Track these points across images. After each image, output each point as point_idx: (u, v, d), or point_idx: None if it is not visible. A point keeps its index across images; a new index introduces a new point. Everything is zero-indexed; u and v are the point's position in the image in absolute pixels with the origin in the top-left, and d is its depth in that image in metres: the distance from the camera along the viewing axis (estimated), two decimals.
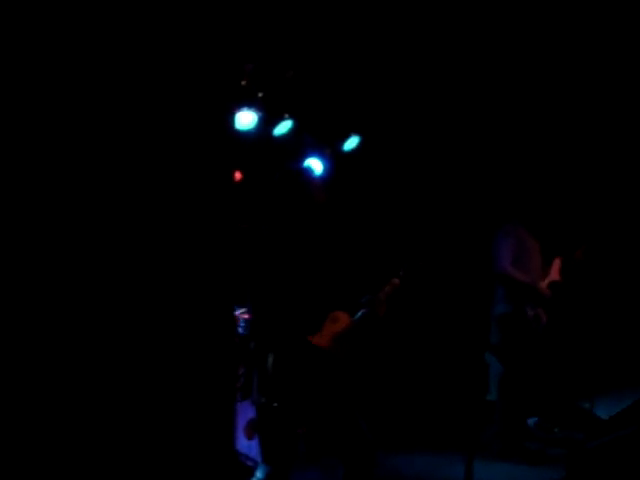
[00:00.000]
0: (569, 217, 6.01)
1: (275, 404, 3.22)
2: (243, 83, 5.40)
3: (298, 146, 5.96)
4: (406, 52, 5.76)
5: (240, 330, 4.70)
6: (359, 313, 3.46)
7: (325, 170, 6.07)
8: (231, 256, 4.07)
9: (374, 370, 6.06)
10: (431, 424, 6.00)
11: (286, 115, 5.77)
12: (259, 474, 3.33)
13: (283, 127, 5.77)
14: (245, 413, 4.65)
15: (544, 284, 5.12)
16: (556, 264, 5.21)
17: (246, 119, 5.44)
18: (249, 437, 4.78)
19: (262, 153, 5.88)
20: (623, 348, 6.08)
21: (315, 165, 6.04)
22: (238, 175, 5.68)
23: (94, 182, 3.86)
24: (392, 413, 6.05)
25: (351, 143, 6.19)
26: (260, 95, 5.54)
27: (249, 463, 4.63)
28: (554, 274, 5.16)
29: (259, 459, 3.48)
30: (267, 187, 4.19)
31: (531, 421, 5.55)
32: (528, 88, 6.10)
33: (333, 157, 6.15)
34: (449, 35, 5.62)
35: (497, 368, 5.14)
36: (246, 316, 4.60)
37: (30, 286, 3.56)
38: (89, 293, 3.67)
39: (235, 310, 4.60)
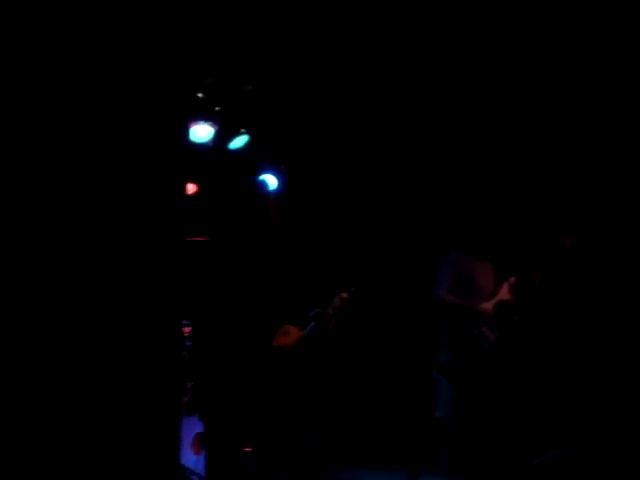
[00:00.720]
0: (527, 237, 6.07)
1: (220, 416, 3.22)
2: (200, 96, 5.40)
3: (253, 160, 5.97)
4: (360, 68, 5.81)
5: (188, 343, 4.67)
6: (308, 327, 3.48)
7: (279, 185, 6.10)
8: (180, 269, 4.06)
9: (324, 384, 6.07)
10: (379, 439, 6.03)
11: (242, 129, 5.78)
12: None
13: (239, 141, 5.78)
14: (192, 427, 4.61)
15: (489, 304, 5.17)
16: (506, 284, 5.28)
17: (202, 132, 5.43)
18: (196, 452, 4.74)
19: (217, 166, 5.88)
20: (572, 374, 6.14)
21: (270, 180, 6.06)
22: (193, 187, 5.67)
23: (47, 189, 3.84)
24: (341, 427, 6.07)
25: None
26: (217, 109, 5.55)
27: (194, 478, 4.60)
28: (503, 294, 5.23)
29: (205, 474, 3.46)
30: (221, 199, 4.18)
31: None
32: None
33: (287, 172, 6.17)
34: (408, 51, 5.68)
35: (445, 385, 5.19)
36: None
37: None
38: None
39: (183, 323, 4.57)
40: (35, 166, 3.83)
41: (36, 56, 3.91)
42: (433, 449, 5.14)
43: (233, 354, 3.26)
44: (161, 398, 3.81)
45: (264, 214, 3.45)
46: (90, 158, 4.12)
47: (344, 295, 3.55)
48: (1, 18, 3.66)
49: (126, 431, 3.68)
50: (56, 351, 3.57)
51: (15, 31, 3.74)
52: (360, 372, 6.50)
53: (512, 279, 5.25)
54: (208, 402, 3.27)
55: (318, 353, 3.59)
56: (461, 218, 5.38)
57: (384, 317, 6.45)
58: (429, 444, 5.19)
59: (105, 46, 4.26)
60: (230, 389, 3.24)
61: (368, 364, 6.49)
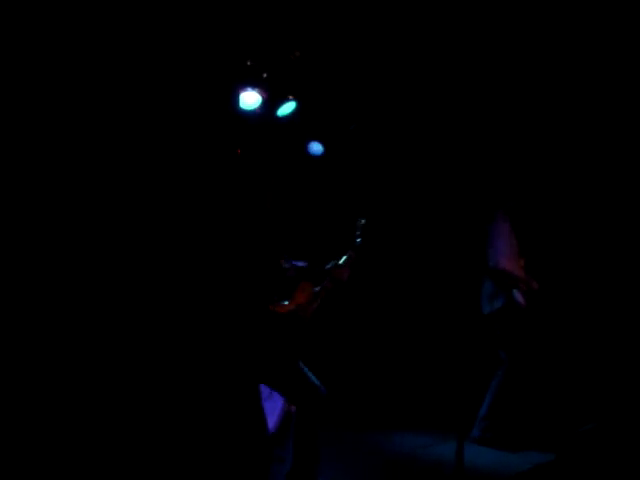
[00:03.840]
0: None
1: None
2: (248, 63, 5.42)
3: (301, 127, 5.99)
4: (407, 47, 5.78)
5: None
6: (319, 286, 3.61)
7: (325, 152, 6.14)
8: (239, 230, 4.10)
9: (368, 350, 6.15)
10: (424, 404, 6.10)
11: (290, 96, 5.80)
12: None
13: (287, 108, 5.80)
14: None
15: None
16: (521, 260, 5.31)
17: (250, 99, 5.47)
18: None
19: (265, 132, 5.91)
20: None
21: (316, 147, 6.10)
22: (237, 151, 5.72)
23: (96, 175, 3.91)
24: (385, 391, 6.15)
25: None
26: (265, 76, 5.56)
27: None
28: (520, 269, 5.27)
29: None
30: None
31: None
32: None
33: (335, 139, 6.19)
34: (451, 37, 5.65)
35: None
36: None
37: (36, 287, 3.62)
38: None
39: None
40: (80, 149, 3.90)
41: (89, 27, 3.96)
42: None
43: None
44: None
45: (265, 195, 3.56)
46: (144, 129, 4.19)
47: (352, 253, 3.69)
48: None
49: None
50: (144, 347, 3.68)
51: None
52: (407, 339, 6.56)
53: (522, 261, 5.26)
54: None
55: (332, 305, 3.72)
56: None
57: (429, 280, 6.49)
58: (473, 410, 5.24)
59: (156, 19, 4.30)
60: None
61: (416, 331, 6.56)
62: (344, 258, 3.67)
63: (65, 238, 3.74)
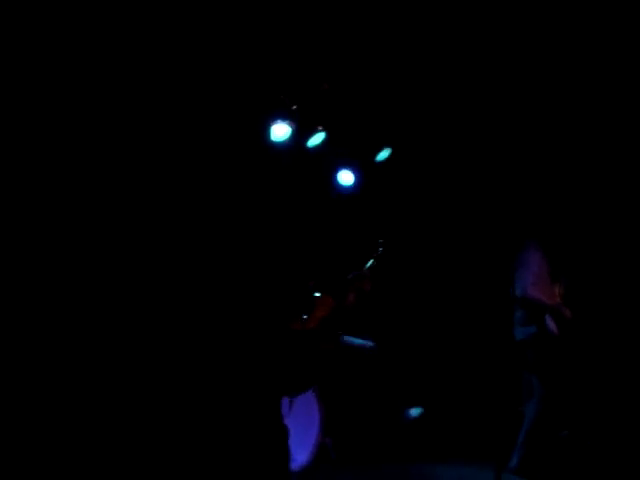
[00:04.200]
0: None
1: None
2: (278, 96, 5.51)
3: (331, 158, 6.05)
4: (435, 70, 5.82)
5: None
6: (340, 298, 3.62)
7: (356, 181, 6.17)
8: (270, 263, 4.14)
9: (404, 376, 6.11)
10: (462, 434, 6.04)
11: (319, 127, 5.86)
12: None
13: (317, 139, 5.86)
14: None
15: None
16: (557, 287, 5.25)
17: (281, 131, 5.53)
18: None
19: (296, 164, 5.97)
20: None
21: (347, 177, 6.13)
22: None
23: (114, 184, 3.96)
24: (424, 422, 6.09)
25: (382, 155, 6.27)
26: (294, 108, 5.63)
27: None
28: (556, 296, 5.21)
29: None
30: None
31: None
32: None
33: (364, 169, 6.23)
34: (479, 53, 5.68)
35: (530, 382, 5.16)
36: None
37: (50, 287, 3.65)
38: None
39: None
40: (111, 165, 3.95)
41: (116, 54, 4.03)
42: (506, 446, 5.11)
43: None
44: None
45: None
46: (176, 158, 4.25)
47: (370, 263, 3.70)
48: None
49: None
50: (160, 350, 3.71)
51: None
52: (441, 367, 6.52)
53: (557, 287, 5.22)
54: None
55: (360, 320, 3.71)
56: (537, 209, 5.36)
57: (463, 307, 6.46)
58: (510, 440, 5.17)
59: (191, 49, 4.38)
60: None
61: (448, 355, 6.51)
62: (368, 265, 3.68)
63: (66, 239, 3.76)
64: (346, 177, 6.15)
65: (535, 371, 5.12)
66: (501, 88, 5.99)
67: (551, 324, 5.06)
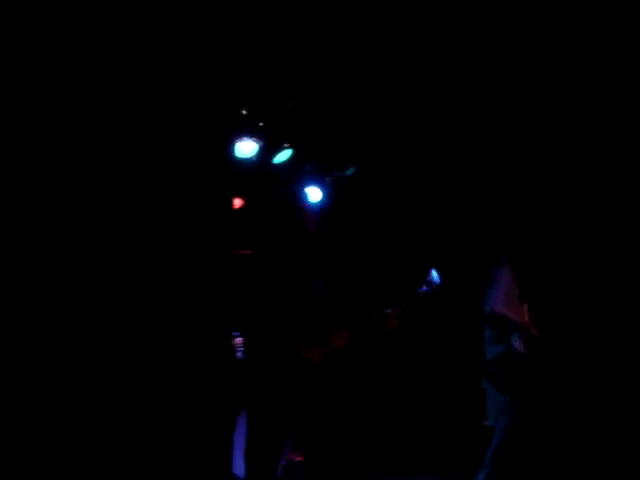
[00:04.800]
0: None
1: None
2: (244, 112, 5.51)
3: (297, 174, 6.06)
4: (400, 86, 5.86)
5: (239, 355, 4.75)
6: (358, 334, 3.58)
7: (324, 198, 6.18)
8: (229, 282, 4.13)
9: (371, 392, 6.10)
10: (429, 449, 6.03)
11: (286, 144, 5.88)
12: None
13: (283, 156, 5.88)
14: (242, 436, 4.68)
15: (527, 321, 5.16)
16: (525, 305, 5.24)
17: (247, 148, 5.54)
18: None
19: (262, 181, 5.98)
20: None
21: (314, 193, 6.14)
22: (239, 202, 5.77)
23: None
24: (390, 437, 6.09)
25: (349, 172, 6.30)
26: (261, 124, 5.65)
27: None
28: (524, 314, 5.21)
29: None
30: (264, 212, 4.22)
31: None
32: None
33: (332, 185, 6.25)
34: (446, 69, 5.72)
35: (495, 394, 5.17)
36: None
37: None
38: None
39: (234, 335, 4.66)
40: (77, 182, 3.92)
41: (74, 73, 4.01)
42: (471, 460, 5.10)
43: (280, 363, 3.35)
44: (214, 409, 3.87)
45: (301, 224, 3.55)
46: (137, 175, 4.22)
47: (404, 305, 3.66)
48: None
49: (180, 442, 3.75)
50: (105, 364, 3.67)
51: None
52: (407, 378, 6.52)
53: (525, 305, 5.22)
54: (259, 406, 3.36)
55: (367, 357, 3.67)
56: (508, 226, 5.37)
57: (431, 323, 6.46)
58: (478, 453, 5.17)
59: (152, 64, 4.37)
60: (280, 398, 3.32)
61: (415, 370, 6.51)
62: (391, 309, 3.63)
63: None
64: (314, 194, 6.16)
65: (506, 390, 5.13)
66: (468, 103, 6.05)
67: (516, 343, 5.06)
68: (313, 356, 3.43)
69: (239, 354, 4.76)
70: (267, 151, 5.77)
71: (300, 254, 3.56)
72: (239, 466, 4.74)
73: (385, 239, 6.64)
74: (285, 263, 3.53)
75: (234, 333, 4.60)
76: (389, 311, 3.63)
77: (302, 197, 3.86)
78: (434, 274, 3.88)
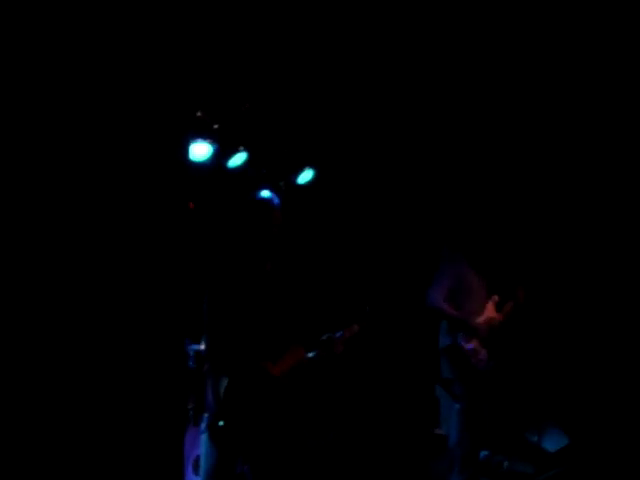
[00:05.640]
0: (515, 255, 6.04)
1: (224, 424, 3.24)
2: (198, 114, 5.41)
3: (252, 178, 5.97)
4: (356, 88, 5.83)
5: (191, 364, 4.66)
6: (312, 353, 3.51)
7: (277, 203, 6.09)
8: (183, 287, 4.05)
9: (326, 402, 6.06)
10: (381, 458, 6.00)
11: (241, 147, 5.79)
12: None
13: (237, 159, 5.79)
14: (195, 447, 4.60)
15: (481, 319, 5.13)
16: (491, 302, 5.23)
17: (201, 150, 5.44)
18: (196, 472, 4.73)
19: (216, 184, 5.88)
20: (568, 383, 6.14)
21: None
22: (190, 205, 5.67)
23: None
24: (341, 447, 6.04)
25: (305, 177, 6.23)
26: (215, 127, 5.56)
27: None
28: (490, 311, 5.18)
29: None
30: (223, 216, 4.10)
31: (482, 454, 5.57)
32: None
33: (286, 190, 6.17)
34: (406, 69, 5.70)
35: (448, 401, 5.16)
36: (201, 347, 4.56)
37: None
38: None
39: (186, 344, 4.57)
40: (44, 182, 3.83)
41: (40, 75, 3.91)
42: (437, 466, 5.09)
43: (240, 365, 3.29)
44: (165, 418, 3.80)
45: (268, 229, 3.48)
46: (92, 176, 4.12)
47: (356, 327, 3.62)
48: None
49: (131, 450, 3.67)
50: (57, 360, 3.57)
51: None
52: (360, 390, 6.48)
53: (496, 297, 5.20)
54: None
55: (321, 375, 3.62)
56: (463, 219, 5.34)
57: (384, 333, 6.43)
58: (431, 461, 5.17)
59: (105, 65, 4.27)
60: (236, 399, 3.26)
61: (369, 381, 6.48)
62: (340, 333, 3.58)
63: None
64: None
65: (449, 382, 5.12)
66: (422, 98, 6.04)
67: (463, 341, 5.05)
68: (275, 371, 3.36)
69: (190, 363, 4.68)
70: (222, 154, 5.67)
71: (266, 260, 3.48)
72: (190, 477, 4.68)
73: (338, 249, 6.60)
74: (250, 269, 3.45)
75: (186, 341, 4.52)
76: (338, 335, 3.58)
77: (270, 198, 3.75)
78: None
